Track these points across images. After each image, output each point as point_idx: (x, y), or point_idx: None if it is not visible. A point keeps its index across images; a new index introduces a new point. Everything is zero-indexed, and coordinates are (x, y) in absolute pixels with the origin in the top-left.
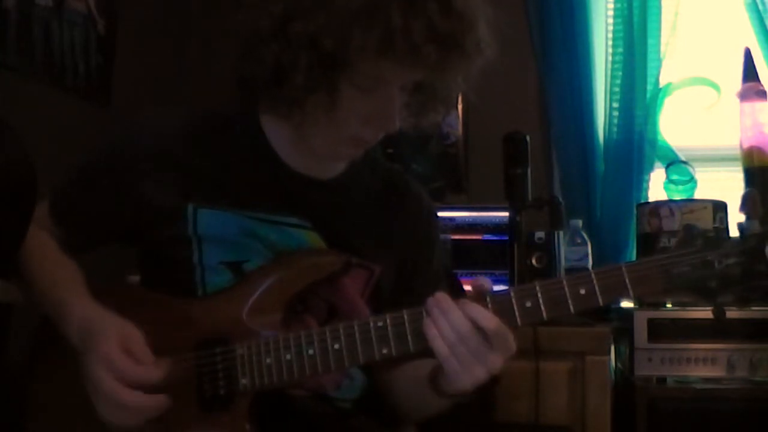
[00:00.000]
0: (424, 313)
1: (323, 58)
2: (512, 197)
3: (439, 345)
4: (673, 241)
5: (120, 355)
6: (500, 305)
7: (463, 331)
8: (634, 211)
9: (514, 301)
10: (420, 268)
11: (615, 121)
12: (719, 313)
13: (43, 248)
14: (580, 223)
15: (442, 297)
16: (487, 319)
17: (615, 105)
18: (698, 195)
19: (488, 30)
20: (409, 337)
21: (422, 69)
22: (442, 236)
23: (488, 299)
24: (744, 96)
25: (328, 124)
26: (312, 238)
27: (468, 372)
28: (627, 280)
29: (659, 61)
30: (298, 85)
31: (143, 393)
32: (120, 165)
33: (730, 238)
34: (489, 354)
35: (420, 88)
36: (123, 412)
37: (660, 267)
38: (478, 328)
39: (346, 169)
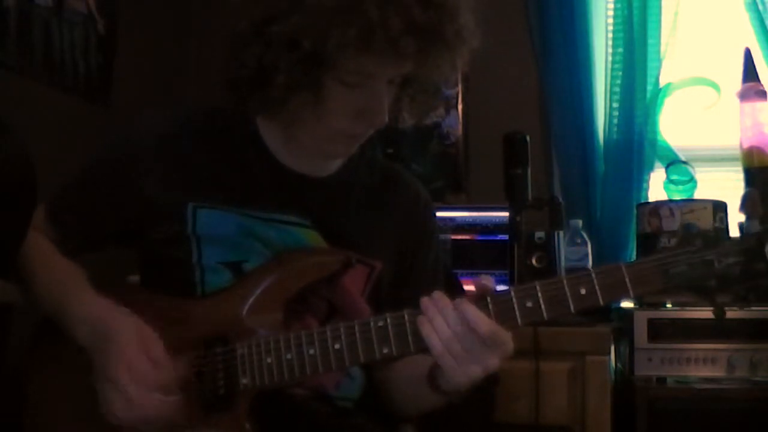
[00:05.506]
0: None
1: (304, 58)
2: (512, 197)
3: (434, 342)
4: (674, 241)
5: (141, 359)
6: (501, 305)
7: (457, 330)
8: (634, 211)
9: (514, 301)
10: (418, 262)
11: (615, 121)
12: (719, 312)
13: (43, 249)
14: (580, 223)
15: (438, 295)
16: (480, 321)
17: (615, 105)
18: (698, 195)
19: (472, 17)
20: (410, 337)
21: (404, 62)
22: (442, 236)
23: (489, 299)
24: (744, 96)
25: (316, 122)
26: (311, 236)
27: (463, 370)
28: (627, 280)
29: (659, 61)
30: (281, 86)
31: (162, 396)
32: (120, 162)
33: (729, 237)
34: (485, 354)
35: (409, 81)
36: (140, 414)
37: (659, 266)
38: (472, 330)
39: (342, 167)
